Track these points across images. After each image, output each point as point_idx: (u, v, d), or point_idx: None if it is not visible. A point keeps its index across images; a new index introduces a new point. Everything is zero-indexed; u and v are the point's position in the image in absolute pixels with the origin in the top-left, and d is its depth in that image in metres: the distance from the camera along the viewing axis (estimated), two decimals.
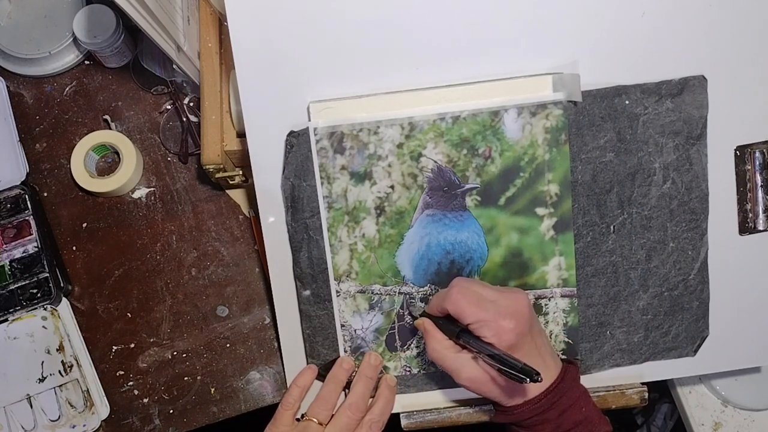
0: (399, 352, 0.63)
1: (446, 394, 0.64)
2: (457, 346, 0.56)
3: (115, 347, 0.73)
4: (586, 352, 0.62)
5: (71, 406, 0.70)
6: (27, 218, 0.73)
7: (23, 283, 0.72)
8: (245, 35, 0.59)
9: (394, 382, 0.63)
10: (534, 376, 0.48)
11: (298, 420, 0.60)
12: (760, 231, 0.62)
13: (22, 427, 0.69)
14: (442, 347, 0.56)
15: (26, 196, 0.74)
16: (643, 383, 0.64)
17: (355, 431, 0.59)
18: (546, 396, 0.54)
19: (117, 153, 0.76)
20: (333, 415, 0.60)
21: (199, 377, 0.72)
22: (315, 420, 0.59)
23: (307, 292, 0.62)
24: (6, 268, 0.72)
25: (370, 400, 0.62)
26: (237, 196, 0.77)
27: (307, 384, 0.62)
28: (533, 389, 0.54)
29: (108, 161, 0.78)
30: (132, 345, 0.73)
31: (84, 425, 0.70)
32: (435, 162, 0.59)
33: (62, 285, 0.72)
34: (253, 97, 0.60)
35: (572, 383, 0.55)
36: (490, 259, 0.61)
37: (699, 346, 0.63)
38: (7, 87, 0.78)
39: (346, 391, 0.63)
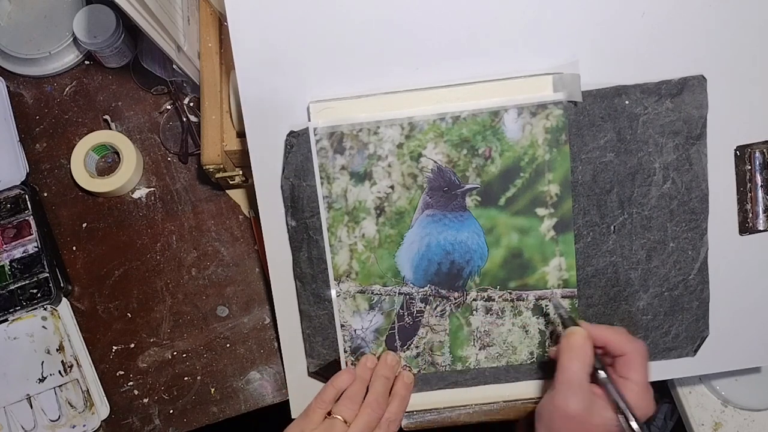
0: (399, 353, 0.63)
1: (446, 394, 0.64)
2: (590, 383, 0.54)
3: (115, 347, 0.73)
4: None
5: (71, 406, 0.70)
6: (27, 218, 0.73)
7: (23, 283, 0.72)
8: (245, 35, 0.59)
9: (411, 380, 0.63)
10: None
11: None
12: (760, 231, 0.62)
13: (22, 427, 0.69)
14: (584, 375, 0.54)
15: (26, 196, 0.74)
16: None
17: (374, 430, 0.60)
18: None
19: (117, 153, 0.76)
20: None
21: (199, 377, 0.72)
22: (340, 417, 0.59)
23: (312, 286, 0.62)
24: (6, 268, 0.72)
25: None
26: (237, 196, 0.77)
27: (343, 386, 0.61)
28: None
29: (108, 161, 0.78)
30: (132, 345, 0.73)
31: (84, 425, 0.70)
32: (435, 162, 0.59)
33: (62, 285, 0.72)
34: (253, 97, 0.60)
35: None
36: (491, 259, 0.61)
37: (699, 346, 0.63)
38: (7, 87, 0.78)
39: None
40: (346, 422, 0.59)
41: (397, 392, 0.62)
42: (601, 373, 0.54)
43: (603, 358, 0.56)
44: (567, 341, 0.55)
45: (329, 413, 0.60)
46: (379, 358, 0.63)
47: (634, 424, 0.51)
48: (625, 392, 0.53)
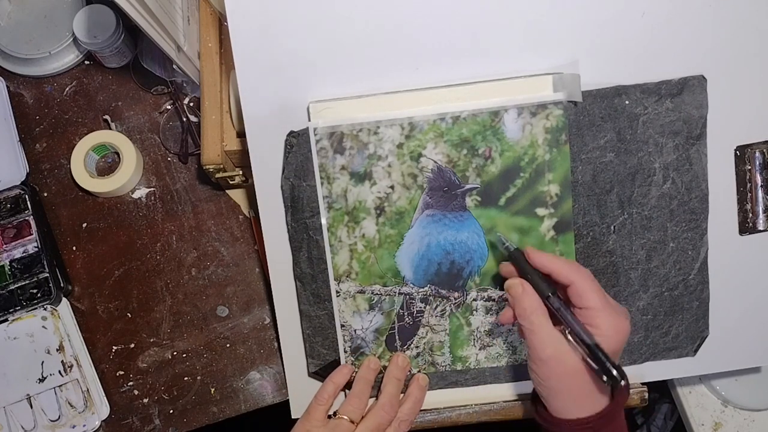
0: (399, 353, 0.63)
1: (446, 394, 0.64)
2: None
3: (115, 347, 0.73)
4: None
5: (71, 406, 0.70)
6: (27, 218, 0.73)
7: (23, 283, 0.72)
8: (245, 35, 0.59)
9: (426, 382, 0.63)
10: (620, 381, 0.46)
11: (329, 417, 0.61)
12: (760, 231, 0.62)
13: (22, 427, 0.69)
14: (541, 310, 0.51)
15: (26, 196, 0.74)
16: (643, 383, 0.65)
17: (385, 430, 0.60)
18: (599, 419, 0.50)
19: (117, 153, 0.76)
20: (364, 415, 0.60)
21: (199, 377, 0.72)
22: (346, 418, 0.59)
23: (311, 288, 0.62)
24: (6, 268, 0.72)
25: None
26: (237, 196, 0.77)
27: (342, 382, 0.62)
28: (597, 405, 0.50)
29: (108, 161, 0.78)
30: (132, 345, 0.73)
31: (84, 425, 0.70)
32: (435, 162, 0.59)
33: (62, 285, 0.72)
34: (253, 97, 0.60)
35: (620, 411, 0.52)
36: (491, 259, 0.61)
37: (699, 346, 0.64)
38: (7, 87, 0.78)
39: (345, 392, 0.63)
40: (352, 422, 0.59)
41: (411, 393, 0.62)
42: (555, 302, 0.51)
43: (557, 286, 0.53)
44: (510, 297, 0.54)
45: (335, 413, 0.60)
46: (380, 358, 0.63)
47: (600, 362, 0.48)
48: (591, 322, 0.50)
